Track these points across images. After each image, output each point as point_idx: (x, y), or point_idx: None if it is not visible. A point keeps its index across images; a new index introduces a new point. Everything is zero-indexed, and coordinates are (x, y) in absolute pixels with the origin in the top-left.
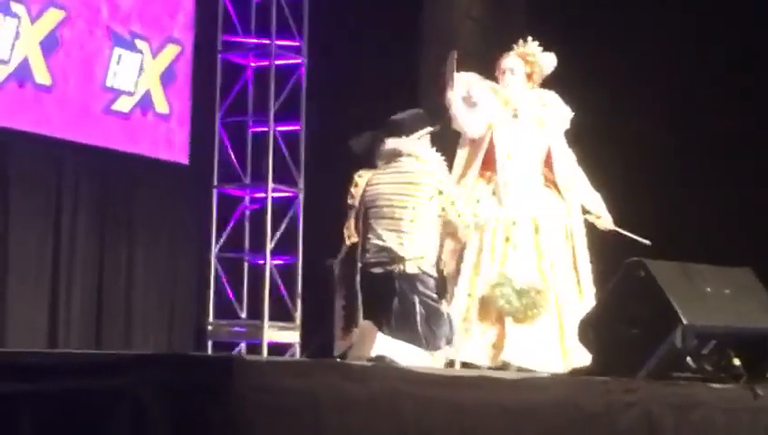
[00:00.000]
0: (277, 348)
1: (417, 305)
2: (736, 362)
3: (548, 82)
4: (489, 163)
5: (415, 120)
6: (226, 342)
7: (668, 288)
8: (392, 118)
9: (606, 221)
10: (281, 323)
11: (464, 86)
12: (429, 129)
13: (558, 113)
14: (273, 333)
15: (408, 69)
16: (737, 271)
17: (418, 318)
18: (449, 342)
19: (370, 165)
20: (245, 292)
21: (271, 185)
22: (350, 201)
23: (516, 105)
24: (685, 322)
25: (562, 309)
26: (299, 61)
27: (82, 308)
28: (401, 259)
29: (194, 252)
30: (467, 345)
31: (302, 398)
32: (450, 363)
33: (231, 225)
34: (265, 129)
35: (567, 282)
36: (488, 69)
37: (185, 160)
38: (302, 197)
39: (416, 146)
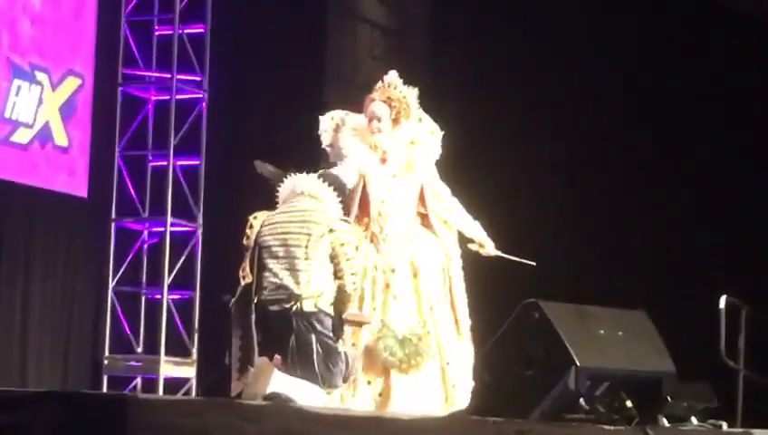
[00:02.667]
0: (173, 383)
1: (314, 344)
2: (629, 403)
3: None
4: (364, 208)
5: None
6: (122, 376)
7: (563, 330)
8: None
9: (489, 248)
10: (177, 359)
11: (330, 133)
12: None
13: (427, 146)
14: (169, 368)
15: (311, 106)
16: (631, 313)
17: (315, 357)
18: (345, 380)
19: (266, 199)
20: (142, 326)
21: (170, 219)
22: (245, 242)
23: (385, 149)
24: (578, 363)
25: (444, 351)
26: (200, 95)
27: None
28: (298, 297)
29: (91, 286)
30: (354, 396)
31: None
32: None
33: (129, 259)
34: (165, 163)
35: (446, 322)
36: None
37: (83, 193)
38: (200, 231)
39: (313, 185)
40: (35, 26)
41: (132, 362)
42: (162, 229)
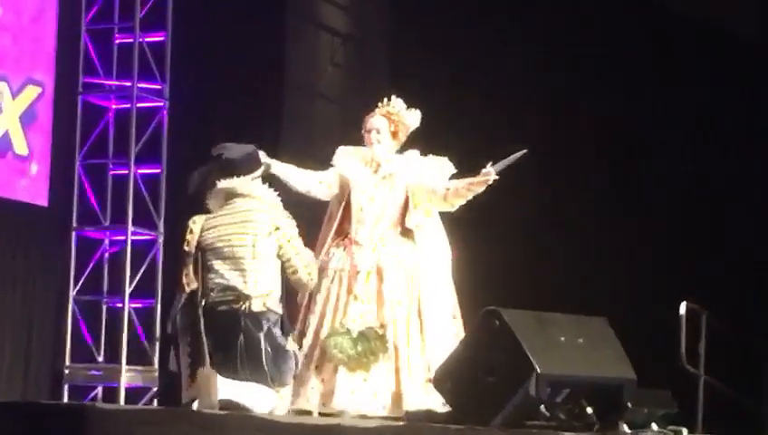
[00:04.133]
0: (135, 392)
1: (263, 343)
2: (589, 410)
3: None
4: (347, 218)
5: (248, 159)
6: (83, 386)
7: (523, 337)
8: (225, 156)
9: (488, 173)
10: (139, 367)
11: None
12: (262, 169)
13: (416, 166)
14: (130, 377)
15: (271, 113)
16: (592, 320)
17: (264, 356)
18: (295, 377)
19: (202, 203)
20: (103, 335)
21: (131, 228)
22: (186, 248)
23: (379, 161)
24: (538, 370)
25: (400, 355)
26: (161, 103)
27: None
28: (246, 297)
29: (52, 294)
30: (302, 394)
31: None
32: (307, 412)
33: (90, 267)
34: (126, 171)
35: (409, 329)
36: (348, 114)
37: (44, 202)
38: (161, 240)
39: (250, 186)
40: None
41: (93, 372)
42: (123, 238)
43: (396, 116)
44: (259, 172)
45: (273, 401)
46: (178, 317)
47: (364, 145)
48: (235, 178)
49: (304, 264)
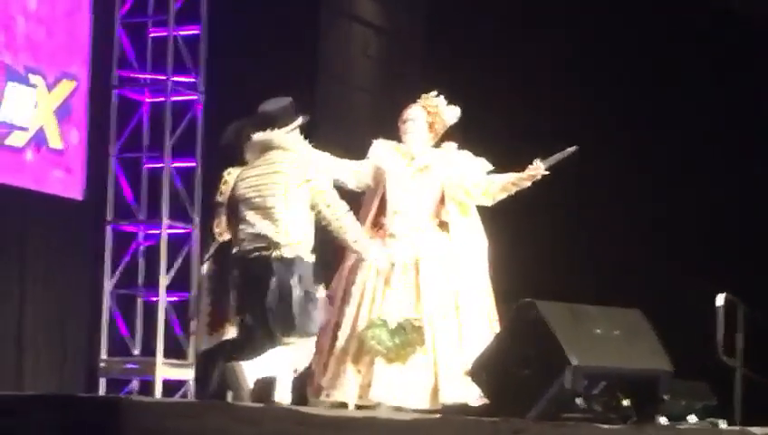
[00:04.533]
0: (171, 385)
1: (294, 289)
2: (625, 402)
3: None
4: (382, 210)
5: (285, 112)
6: (119, 379)
7: (558, 330)
8: (262, 109)
9: (537, 168)
10: (174, 361)
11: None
12: (299, 121)
13: (453, 159)
14: (166, 370)
15: (305, 105)
16: (627, 312)
17: (294, 300)
18: (322, 325)
19: (236, 156)
20: (139, 329)
21: (166, 221)
22: (219, 199)
23: (413, 154)
24: (574, 363)
25: (438, 348)
26: (195, 97)
27: None
28: (277, 245)
29: (87, 289)
30: (341, 384)
31: None
32: (343, 405)
33: (125, 261)
34: (161, 165)
35: (447, 322)
36: (381, 106)
37: (79, 196)
38: (197, 233)
39: (286, 139)
40: (30, 25)
41: (129, 365)
42: (158, 231)
43: (434, 108)
44: (295, 125)
45: (294, 360)
46: (205, 266)
47: (398, 138)
48: (269, 130)
49: (335, 217)
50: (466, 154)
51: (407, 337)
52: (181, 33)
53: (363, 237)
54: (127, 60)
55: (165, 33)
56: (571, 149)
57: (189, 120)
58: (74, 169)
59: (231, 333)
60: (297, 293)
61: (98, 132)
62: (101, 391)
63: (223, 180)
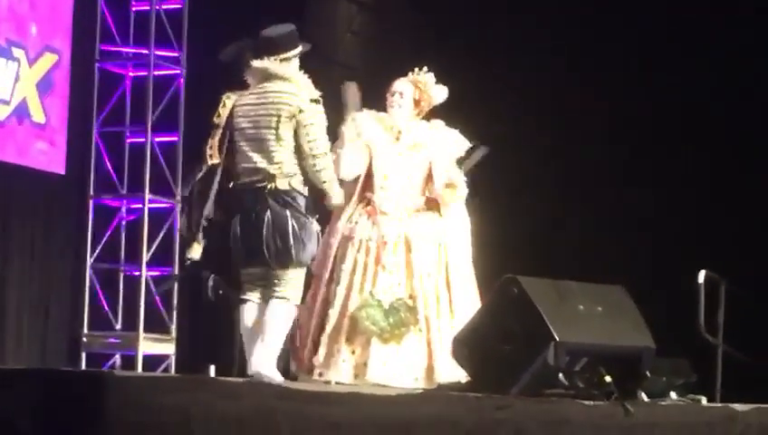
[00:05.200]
0: (153, 360)
1: (290, 219)
2: (608, 379)
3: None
4: (368, 185)
5: (287, 39)
6: (101, 353)
7: (541, 305)
8: (264, 34)
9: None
10: (156, 335)
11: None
12: (300, 49)
13: (446, 135)
14: (148, 345)
15: None
16: (610, 289)
17: (290, 230)
18: (314, 258)
19: (235, 74)
20: (121, 303)
21: (148, 196)
22: (216, 120)
23: (400, 129)
24: (557, 339)
25: (431, 327)
26: (177, 71)
27: None
28: (272, 177)
29: (69, 263)
30: (337, 364)
31: (173, 415)
32: (326, 382)
33: (107, 236)
34: (143, 139)
35: (439, 300)
36: (367, 82)
37: (61, 170)
38: (179, 208)
39: (285, 68)
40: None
41: (111, 340)
42: (140, 206)
43: (423, 85)
44: (295, 52)
45: (291, 311)
46: (196, 186)
47: (383, 111)
48: (270, 57)
49: (313, 153)
50: (455, 134)
51: (400, 317)
52: (164, 7)
53: (336, 184)
54: (109, 34)
55: (147, 8)
56: (481, 151)
57: (172, 95)
58: (57, 142)
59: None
60: (292, 224)
61: (80, 106)
62: (83, 365)
63: (222, 103)
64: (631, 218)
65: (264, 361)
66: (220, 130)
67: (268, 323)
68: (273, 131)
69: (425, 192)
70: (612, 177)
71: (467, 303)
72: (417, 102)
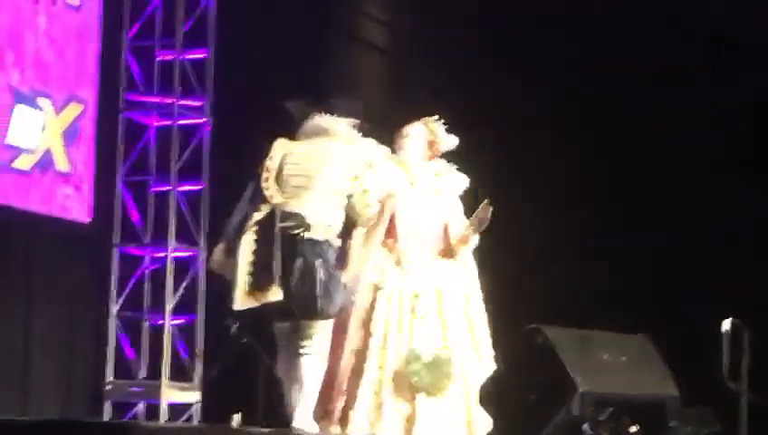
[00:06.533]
0: (176, 408)
1: (319, 269)
2: (633, 428)
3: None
4: (391, 231)
5: (350, 106)
6: (125, 402)
7: (566, 355)
8: (330, 100)
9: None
10: (180, 383)
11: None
12: (356, 120)
13: (452, 181)
14: (172, 394)
15: None
16: (634, 338)
17: (318, 280)
18: (342, 311)
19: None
20: (145, 352)
21: (172, 244)
22: (268, 163)
23: (413, 174)
24: (581, 389)
25: (466, 376)
26: (202, 120)
27: None
28: (308, 226)
29: (93, 312)
30: (381, 420)
31: None
32: None
33: (131, 284)
34: (167, 188)
35: (467, 347)
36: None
37: (86, 219)
38: (203, 256)
39: (343, 129)
40: (40, 43)
41: (135, 388)
42: (164, 254)
43: (435, 129)
44: (352, 121)
45: (321, 365)
46: (257, 231)
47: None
48: (333, 116)
49: (367, 216)
50: (462, 180)
51: (441, 370)
52: (189, 56)
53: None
54: (134, 83)
55: (172, 57)
56: (482, 208)
57: (196, 144)
58: (81, 191)
59: (276, 295)
60: (321, 274)
61: (105, 155)
62: (106, 413)
63: (273, 149)
64: (655, 267)
65: (305, 418)
66: (274, 173)
67: (303, 381)
68: (323, 181)
69: (443, 240)
70: (634, 224)
71: (488, 354)
72: (430, 144)
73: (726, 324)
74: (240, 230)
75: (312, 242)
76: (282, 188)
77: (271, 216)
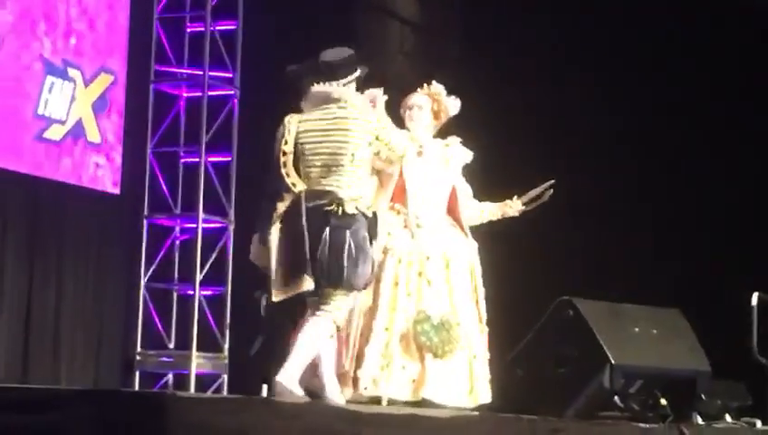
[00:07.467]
0: (205, 379)
1: (348, 240)
2: (663, 402)
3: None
4: (398, 196)
5: (346, 63)
6: (154, 372)
7: (597, 328)
8: (324, 59)
9: (515, 204)
10: (209, 354)
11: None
12: (357, 73)
13: (460, 152)
14: (200, 364)
15: None
16: (666, 311)
17: (346, 251)
18: (366, 285)
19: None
20: (174, 322)
21: (201, 215)
22: (284, 147)
23: (421, 143)
24: (613, 361)
25: (471, 344)
26: (231, 92)
27: (9, 339)
28: (340, 200)
29: (123, 282)
30: (389, 380)
31: None
32: (376, 400)
33: (161, 255)
34: (197, 159)
35: (472, 317)
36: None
37: (116, 190)
38: (232, 227)
39: (345, 92)
40: (72, 13)
41: (164, 358)
42: (194, 226)
43: (437, 96)
44: (354, 76)
45: (329, 328)
46: (279, 224)
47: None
48: (331, 83)
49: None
50: (469, 155)
51: (449, 334)
52: (218, 28)
53: None
54: (164, 54)
55: (202, 29)
56: (547, 184)
57: (226, 115)
58: (111, 162)
59: (308, 285)
60: (350, 244)
61: (135, 126)
62: (136, 383)
63: (285, 129)
64: (687, 241)
65: (290, 374)
66: (291, 157)
67: (302, 336)
68: (349, 157)
69: (449, 210)
70: (665, 198)
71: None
72: (436, 114)
73: (755, 299)
74: (269, 221)
75: (344, 215)
76: (304, 169)
77: (297, 202)
